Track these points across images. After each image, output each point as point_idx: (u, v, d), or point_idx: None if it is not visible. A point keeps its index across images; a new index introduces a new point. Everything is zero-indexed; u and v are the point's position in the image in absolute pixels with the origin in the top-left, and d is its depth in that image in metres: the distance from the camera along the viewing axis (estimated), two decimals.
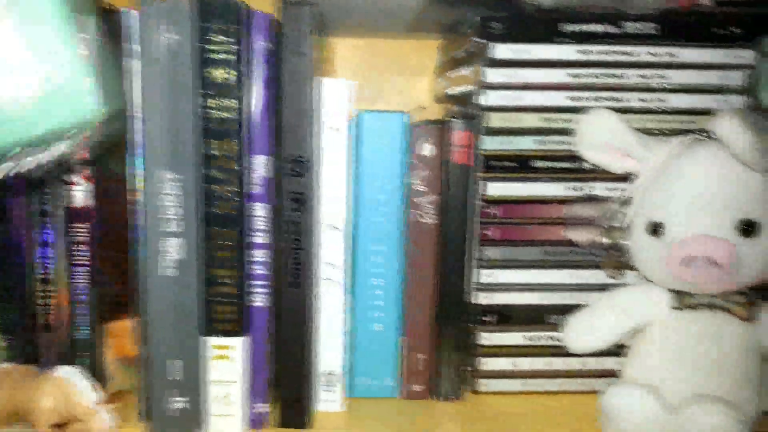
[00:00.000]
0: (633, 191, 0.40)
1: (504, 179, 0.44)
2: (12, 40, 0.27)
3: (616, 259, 0.42)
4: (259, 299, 0.39)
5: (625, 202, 0.41)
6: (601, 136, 0.40)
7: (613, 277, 0.43)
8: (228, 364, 0.39)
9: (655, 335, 0.40)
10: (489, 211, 0.44)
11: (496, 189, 0.44)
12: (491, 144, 0.43)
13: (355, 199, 0.42)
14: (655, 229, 0.38)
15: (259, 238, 0.39)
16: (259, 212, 0.38)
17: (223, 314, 0.39)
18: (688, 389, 0.37)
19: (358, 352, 0.44)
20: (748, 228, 0.35)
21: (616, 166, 0.41)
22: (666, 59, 0.42)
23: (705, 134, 0.38)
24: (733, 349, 0.37)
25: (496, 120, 0.43)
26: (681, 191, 0.37)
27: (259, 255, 0.39)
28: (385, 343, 0.44)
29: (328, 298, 0.42)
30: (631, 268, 0.42)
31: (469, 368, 0.45)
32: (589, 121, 0.40)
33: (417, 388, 0.45)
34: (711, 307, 0.37)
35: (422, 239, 0.43)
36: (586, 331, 0.42)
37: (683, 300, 0.38)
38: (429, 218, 0.43)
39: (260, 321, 0.40)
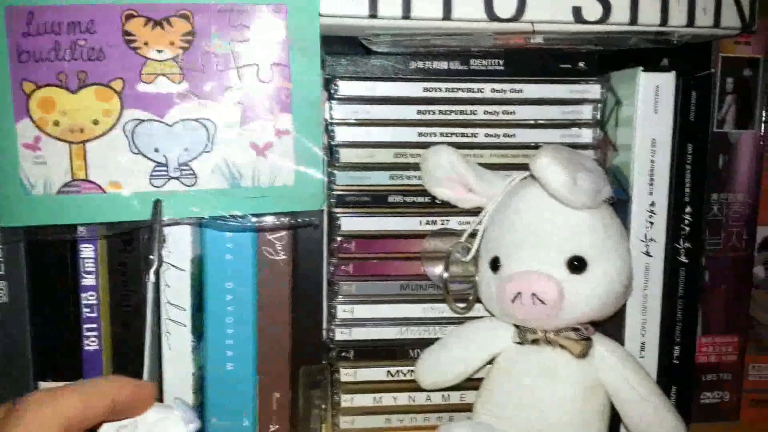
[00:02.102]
0: (479, 225, 0.41)
1: (359, 214, 0.44)
2: None
3: (460, 294, 0.42)
4: (92, 342, 0.38)
5: (473, 235, 0.41)
6: (443, 173, 0.40)
7: (457, 312, 0.43)
8: None
9: (501, 370, 0.40)
10: (344, 246, 0.44)
11: (351, 224, 0.44)
12: (344, 179, 0.43)
13: (201, 237, 0.41)
14: (494, 264, 0.38)
15: (88, 280, 0.38)
16: (87, 253, 0.38)
17: (56, 358, 0.38)
18: (525, 425, 0.37)
19: (211, 393, 0.43)
20: (576, 264, 0.36)
21: (462, 201, 0.41)
22: (511, 95, 0.43)
23: None
24: (570, 385, 0.37)
25: (348, 156, 0.43)
26: (514, 227, 0.37)
27: (88, 297, 0.38)
28: (239, 383, 0.43)
29: (173, 339, 0.41)
30: (479, 301, 0.42)
31: (330, 406, 0.45)
32: (430, 157, 0.41)
33: (274, 428, 0.44)
34: (549, 342, 0.37)
35: (275, 276, 0.43)
36: (436, 366, 0.42)
37: (525, 335, 0.38)
38: (281, 254, 0.42)
39: (95, 364, 0.39)
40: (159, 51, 0.36)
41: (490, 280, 0.38)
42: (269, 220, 0.40)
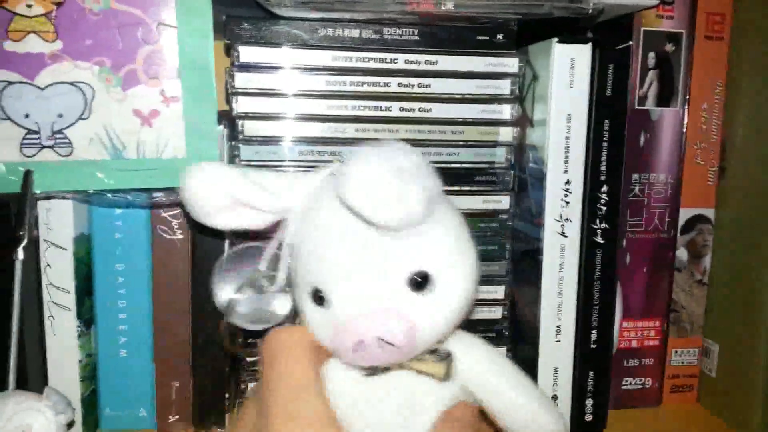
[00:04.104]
0: (284, 246, 0.31)
1: None
2: None
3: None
4: None
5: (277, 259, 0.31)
6: (215, 200, 0.29)
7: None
8: None
9: (353, 407, 0.30)
10: None
11: None
12: (249, 153, 0.40)
13: (88, 214, 0.38)
14: (317, 297, 0.28)
15: None
16: None
17: None
18: None
19: (103, 382, 0.40)
20: (420, 281, 0.27)
21: (254, 224, 0.31)
22: (426, 67, 0.41)
23: None
24: (434, 407, 0.29)
25: (251, 128, 0.40)
26: (332, 247, 0.28)
27: None
28: (134, 372, 0.40)
29: (57, 324, 0.38)
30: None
31: (235, 394, 0.42)
32: (190, 186, 0.29)
33: (173, 419, 0.41)
34: (405, 368, 0.29)
35: (172, 257, 0.40)
36: None
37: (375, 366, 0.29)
38: (178, 234, 0.40)
39: None
40: (29, 6, 0.33)
41: (319, 316, 0.28)
42: (161, 195, 0.37)
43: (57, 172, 0.34)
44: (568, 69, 0.38)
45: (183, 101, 0.34)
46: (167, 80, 0.34)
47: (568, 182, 0.39)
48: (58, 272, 0.37)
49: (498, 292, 0.43)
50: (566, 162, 0.39)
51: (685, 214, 0.44)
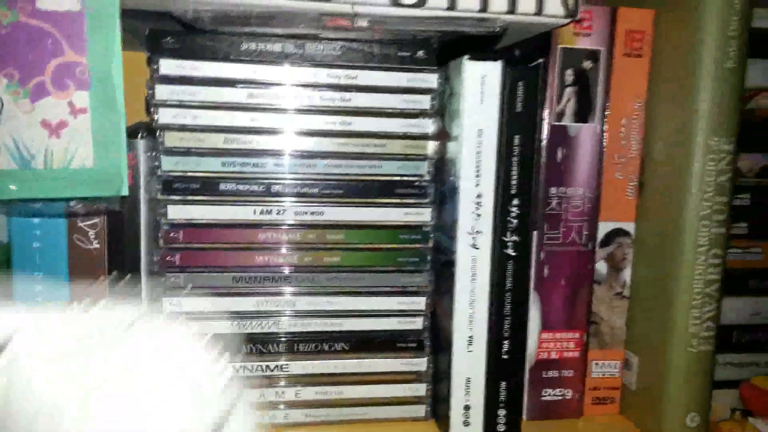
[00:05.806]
0: None
1: (186, 202, 0.42)
2: None
3: None
4: None
5: None
6: None
7: None
8: None
9: None
10: (171, 235, 0.42)
11: (179, 212, 0.42)
12: (170, 164, 0.41)
13: (7, 223, 0.39)
14: None
15: None
16: None
17: None
18: None
19: None
20: None
21: None
22: (346, 81, 0.42)
23: None
24: None
25: (173, 139, 0.41)
26: None
27: None
28: None
29: None
30: None
31: None
32: None
33: None
34: None
35: (89, 267, 0.40)
36: None
37: None
38: (95, 243, 0.40)
39: None
40: None
41: None
42: (75, 204, 0.37)
43: None
44: (479, 85, 0.39)
45: (91, 112, 0.35)
46: (75, 92, 0.35)
47: (479, 195, 0.40)
48: None
49: (419, 303, 0.44)
50: (478, 176, 0.40)
51: (604, 228, 0.45)
